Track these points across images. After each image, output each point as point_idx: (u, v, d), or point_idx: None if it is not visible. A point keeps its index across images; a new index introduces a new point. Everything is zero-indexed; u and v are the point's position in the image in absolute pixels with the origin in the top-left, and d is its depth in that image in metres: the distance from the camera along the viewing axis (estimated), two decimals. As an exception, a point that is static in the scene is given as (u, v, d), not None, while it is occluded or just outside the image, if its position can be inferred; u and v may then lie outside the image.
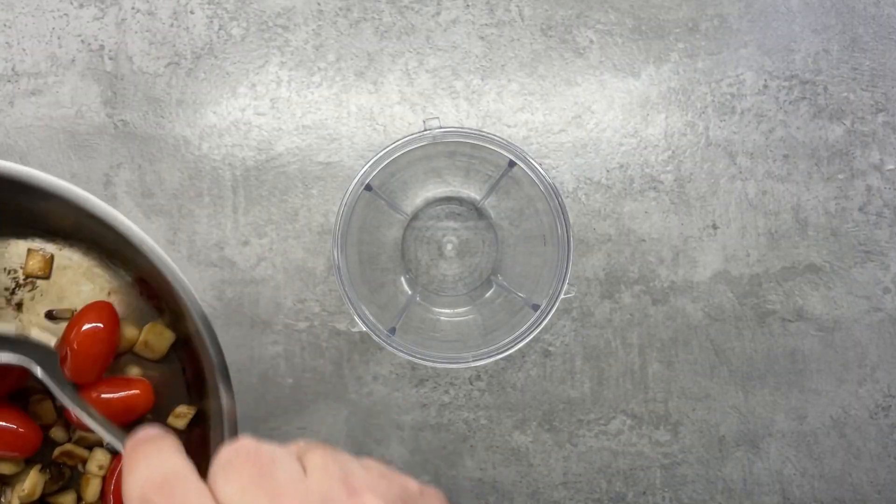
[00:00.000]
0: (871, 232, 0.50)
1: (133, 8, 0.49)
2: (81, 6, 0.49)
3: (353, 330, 0.41)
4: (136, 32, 0.49)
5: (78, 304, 0.44)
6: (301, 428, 0.48)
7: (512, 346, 0.40)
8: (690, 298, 0.49)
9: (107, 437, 0.39)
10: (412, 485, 0.27)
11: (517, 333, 0.40)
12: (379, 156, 0.40)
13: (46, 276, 0.44)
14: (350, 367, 0.48)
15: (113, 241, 0.40)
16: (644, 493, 0.49)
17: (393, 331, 0.41)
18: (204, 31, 0.49)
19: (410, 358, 0.40)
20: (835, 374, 0.49)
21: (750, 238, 0.49)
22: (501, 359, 0.41)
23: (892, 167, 0.50)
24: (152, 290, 0.44)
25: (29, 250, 0.44)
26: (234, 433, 0.39)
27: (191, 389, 0.45)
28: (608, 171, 0.49)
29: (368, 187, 0.41)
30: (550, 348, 0.49)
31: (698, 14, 0.50)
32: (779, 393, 0.49)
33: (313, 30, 0.49)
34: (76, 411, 0.39)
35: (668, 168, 0.49)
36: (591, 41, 0.50)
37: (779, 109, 0.50)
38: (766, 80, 0.50)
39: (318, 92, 0.49)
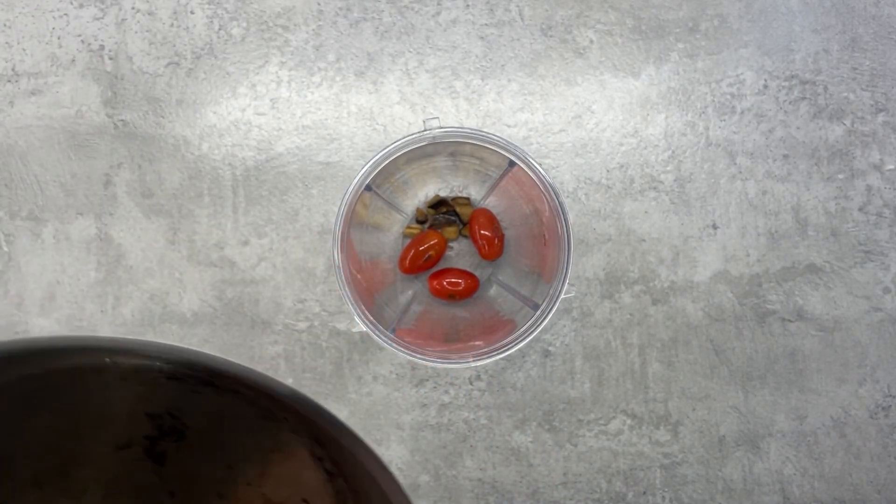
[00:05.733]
0: (871, 232, 0.50)
1: (133, 8, 0.49)
2: (81, 6, 0.49)
3: (354, 330, 0.41)
4: (136, 32, 0.49)
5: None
6: (301, 428, 0.48)
7: (512, 346, 0.40)
8: (690, 298, 0.49)
9: None
10: None
11: (517, 333, 0.40)
12: (379, 156, 0.40)
13: None
14: (350, 367, 0.48)
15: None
16: (644, 492, 0.49)
17: (393, 331, 0.41)
18: (204, 31, 0.49)
19: (411, 357, 0.40)
20: (835, 374, 0.49)
21: (750, 238, 0.49)
22: (501, 359, 0.40)
23: (892, 167, 0.50)
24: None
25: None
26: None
27: None
28: (608, 170, 0.49)
29: (368, 187, 0.41)
30: (550, 348, 0.49)
31: (698, 14, 0.50)
32: (779, 393, 0.49)
33: (313, 30, 0.49)
34: None
35: (668, 168, 0.49)
36: (591, 41, 0.50)
37: (779, 109, 0.50)
38: (766, 80, 0.50)
39: (318, 92, 0.49)
